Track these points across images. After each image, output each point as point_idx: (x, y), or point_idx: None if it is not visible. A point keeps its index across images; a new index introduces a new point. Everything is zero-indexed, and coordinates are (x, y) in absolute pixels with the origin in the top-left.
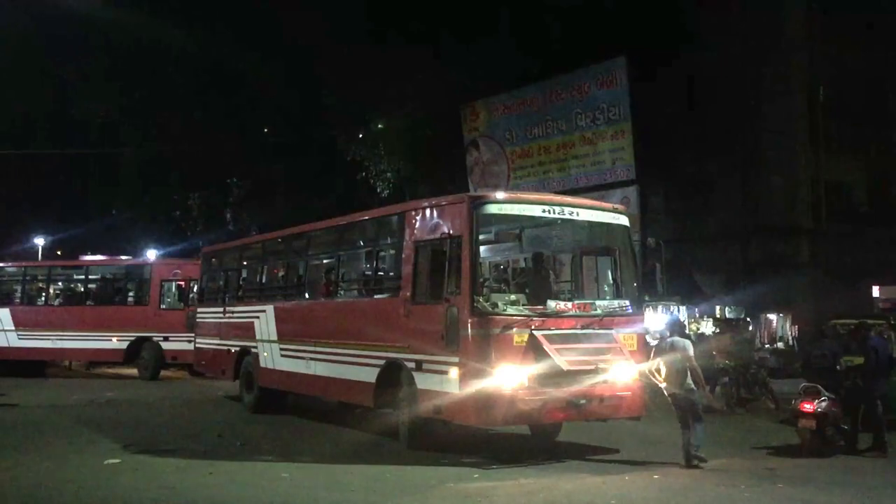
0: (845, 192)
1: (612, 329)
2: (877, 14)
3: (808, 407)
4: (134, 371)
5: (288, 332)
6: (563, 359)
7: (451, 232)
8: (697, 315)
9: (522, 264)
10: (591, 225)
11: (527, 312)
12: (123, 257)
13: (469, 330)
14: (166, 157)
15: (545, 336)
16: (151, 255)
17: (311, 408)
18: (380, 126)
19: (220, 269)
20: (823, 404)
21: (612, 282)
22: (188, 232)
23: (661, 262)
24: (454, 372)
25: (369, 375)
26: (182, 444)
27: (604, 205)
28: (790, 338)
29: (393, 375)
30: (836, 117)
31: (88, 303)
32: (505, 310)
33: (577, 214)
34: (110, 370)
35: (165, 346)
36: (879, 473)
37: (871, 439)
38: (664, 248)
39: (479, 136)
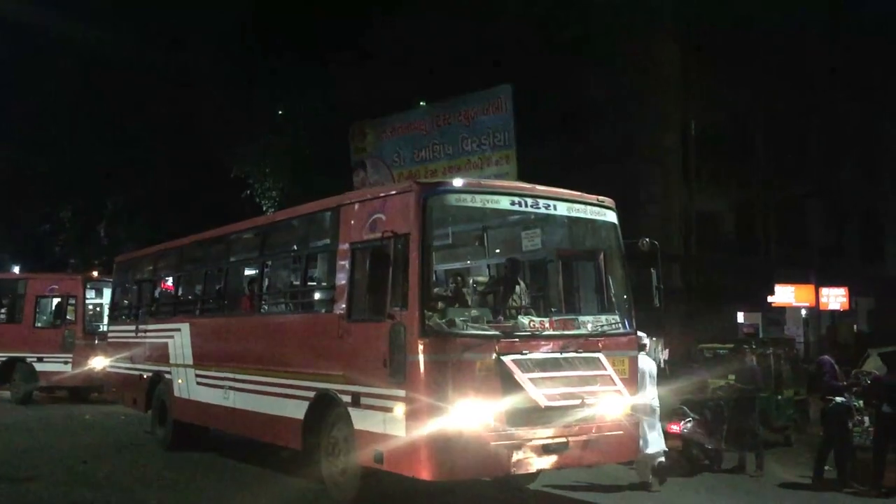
0: (714, 222)
1: (599, 352)
2: (746, 54)
3: (674, 428)
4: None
5: (205, 355)
6: (540, 392)
7: (397, 230)
8: None
9: (486, 273)
10: (572, 221)
11: (493, 332)
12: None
13: (419, 355)
14: (36, 168)
15: (516, 362)
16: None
17: (242, 445)
18: (267, 138)
19: (135, 280)
20: (689, 426)
21: (597, 292)
22: (57, 247)
23: (658, 267)
24: (400, 409)
25: (296, 410)
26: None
27: (587, 197)
28: (661, 361)
29: (325, 411)
30: (707, 151)
31: None
32: (464, 329)
33: (555, 208)
34: None
35: (39, 367)
36: (740, 490)
37: (735, 458)
38: (659, 252)
39: (366, 156)
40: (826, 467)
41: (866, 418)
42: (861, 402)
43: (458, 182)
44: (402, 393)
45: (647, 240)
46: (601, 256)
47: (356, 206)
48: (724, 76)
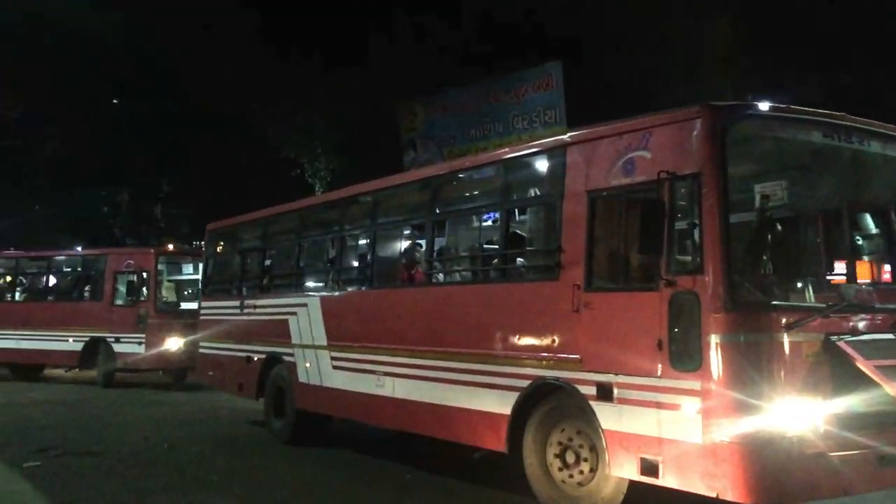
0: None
1: None
2: (798, 36)
3: None
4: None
5: (345, 335)
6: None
7: (677, 170)
8: None
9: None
10: (885, 161)
11: (819, 305)
12: (78, 248)
13: (724, 334)
14: (87, 153)
15: (853, 346)
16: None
17: (375, 441)
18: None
19: (235, 250)
20: None
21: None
22: (115, 228)
23: None
24: (691, 406)
25: (499, 403)
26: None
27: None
28: None
29: (545, 405)
30: None
31: (49, 298)
32: (783, 298)
33: (869, 145)
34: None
35: (117, 347)
36: None
37: None
38: None
39: (416, 135)
40: None
41: None
42: None
43: (764, 105)
44: (694, 385)
45: None
46: None
47: (595, 144)
48: (777, 56)
